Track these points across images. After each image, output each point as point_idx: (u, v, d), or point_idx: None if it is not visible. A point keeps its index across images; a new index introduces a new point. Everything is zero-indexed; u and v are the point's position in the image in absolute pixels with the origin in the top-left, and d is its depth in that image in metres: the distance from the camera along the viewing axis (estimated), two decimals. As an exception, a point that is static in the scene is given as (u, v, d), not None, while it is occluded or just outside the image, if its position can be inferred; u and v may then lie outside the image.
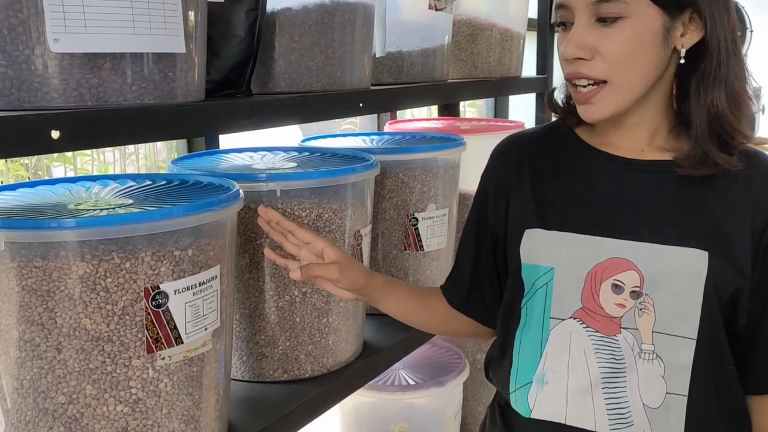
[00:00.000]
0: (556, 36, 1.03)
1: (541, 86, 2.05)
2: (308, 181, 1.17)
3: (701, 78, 0.97)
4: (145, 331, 0.88)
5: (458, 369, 1.89)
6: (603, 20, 0.93)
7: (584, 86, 0.96)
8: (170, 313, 0.89)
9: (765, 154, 1.03)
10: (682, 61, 0.97)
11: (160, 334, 0.89)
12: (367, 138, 1.73)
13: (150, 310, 0.87)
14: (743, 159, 0.99)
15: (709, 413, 0.98)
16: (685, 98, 0.99)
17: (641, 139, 1.03)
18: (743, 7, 3.73)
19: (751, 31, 3.68)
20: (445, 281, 1.22)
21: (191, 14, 0.90)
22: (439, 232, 1.56)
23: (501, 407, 1.11)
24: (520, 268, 1.04)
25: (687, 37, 0.96)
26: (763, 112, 3.89)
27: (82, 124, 0.78)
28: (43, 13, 0.76)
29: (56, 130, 0.75)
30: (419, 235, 1.52)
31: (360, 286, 1.11)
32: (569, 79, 0.98)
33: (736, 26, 0.97)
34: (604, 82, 0.95)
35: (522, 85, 1.96)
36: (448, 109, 2.32)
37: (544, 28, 2.14)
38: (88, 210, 0.92)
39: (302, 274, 1.07)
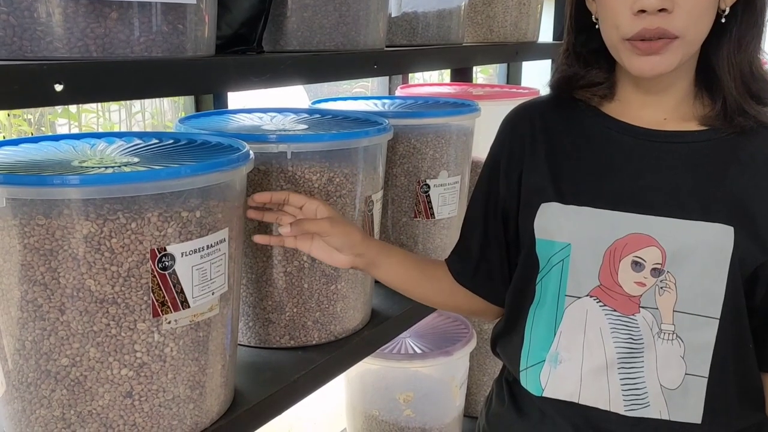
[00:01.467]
0: None
1: (558, 53, 1.99)
2: (320, 144, 1.14)
3: (738, 38, 0.94)
4: (151, 294, 0.85)
5: (465, 339, 1.87)
6: None
7: (651, 39, 0.90)
8: (177, 276, 0.87)
9: None
10: (723, 20, 0.93)
11: (166, 298, 0.86)
12: (378, 102, 1.68)
13: (156, 273, 0.85)
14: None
15: (728, 394, 0.95)
16: (712, 60, 0.96)
17: (666, 107, 0.98)
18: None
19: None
20: (450, 255, 1.17)
21: (202, -37, 0.86)
22: (450, 200, 1.53)
23: (509, 384, 1.08)
24: (535, 244, 1.00)
25: None
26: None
27: (87, 76, 0.75)
28: (47, -43, 0.72)
29: (59, 81, 0.71)
30: (430, 202, 1.49)
31: (356, 241, 1.06)
32: (642, 37, 0.90)
33: None
34: (676, 37, 0.90)
35: (539, 51, 1.90)
36: (461, 74, 2.26)
37: (562, -8, 2.08)
38: (92, 167, 0.88)
39: (293, 228, 1.04)
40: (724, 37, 0.95)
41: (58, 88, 0.71)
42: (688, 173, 0.96)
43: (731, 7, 0.94)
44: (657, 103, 0.99)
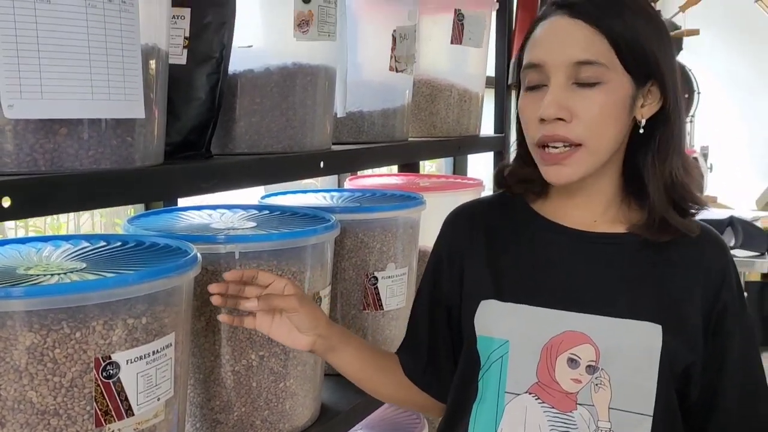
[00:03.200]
0: (519, 97, 1.03)
1: (499, 145, 2.08)
2: (268, 243, 1.16)
3: (658, 149, 0.98)
4: (94, 404, 0.84)
5: (417, 430, 1.86)
6: (579, 83, 0.94)
7: (556, 148, 0.96)
8: (121, 384, 0.86)
9: (714, 229, 1.05)
10: (641, 131, 0.98)
11: (110, 407, 0.85)
12: (327, 195, 1.72)
13: (100, 382, 0.84)
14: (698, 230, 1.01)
15: None
16: (637, 168, 1.01)
17: (595, 210, 1.03)
18: (690, 70, 3.89)
19: (698, 93, 3.84)
20: (400, 349, 1.18)
21: (152, 79, 0.89)
22: (398, 291, 1.55)
23: None
24: (476, 341, 1.02)
25: (646, 108, 0.98)
26: (711, 171, 4.03)
27: (35, 191, 0.76)
28: (-2, 78, 0.75)
29: (7, 196, 0.73)
30: (379, 294, 1.51)
31: (320, 322, 1.06)
32: (543, 143, 0.97)
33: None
34: (579, 145, 0.95)
35: (480, 144, 1.99)
36: (408, 166, 2.33)
37: (502, 86, 2.18)
38: (38, 275, 0.88)
39: (260, 302, 1.01)
40: (645, 147, 0.99)
41: (6, 203, 0.73)
42: (619, 273, 1.00)
43: (652, 119, 0.99)
44: (585, 205, 1.04)
